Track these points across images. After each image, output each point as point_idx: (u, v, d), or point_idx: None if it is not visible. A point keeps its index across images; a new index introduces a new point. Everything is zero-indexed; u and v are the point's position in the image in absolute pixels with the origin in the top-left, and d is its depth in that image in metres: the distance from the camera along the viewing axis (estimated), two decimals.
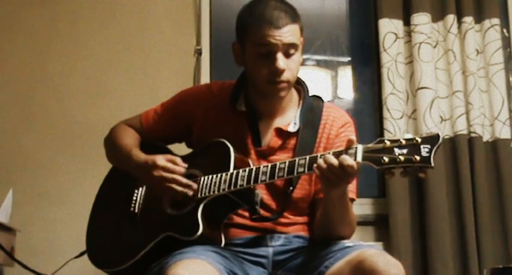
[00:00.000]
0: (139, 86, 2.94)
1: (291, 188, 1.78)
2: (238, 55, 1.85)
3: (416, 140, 1.52)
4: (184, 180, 1.74)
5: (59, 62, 2.96)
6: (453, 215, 2.82)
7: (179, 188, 1.74)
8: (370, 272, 1.52)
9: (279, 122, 1.86)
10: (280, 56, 1.75)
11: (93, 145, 2.62)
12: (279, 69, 1.75)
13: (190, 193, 1.74)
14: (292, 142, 1.84)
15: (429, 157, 1.49)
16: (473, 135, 2.86)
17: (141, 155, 1.84)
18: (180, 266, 1.54)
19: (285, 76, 1.77)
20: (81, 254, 1.99)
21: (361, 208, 2.91)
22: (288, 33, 1.74)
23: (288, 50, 1.76)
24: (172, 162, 1.76)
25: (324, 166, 1.58)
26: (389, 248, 2.75)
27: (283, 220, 1.81)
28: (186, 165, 1.77)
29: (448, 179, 2.85)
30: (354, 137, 1.61)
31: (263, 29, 1.74)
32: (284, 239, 1.80)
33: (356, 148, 1.58)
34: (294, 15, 1.78)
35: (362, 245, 1.67)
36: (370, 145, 1.58)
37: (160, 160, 1.77)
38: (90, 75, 2.96)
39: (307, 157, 1.64)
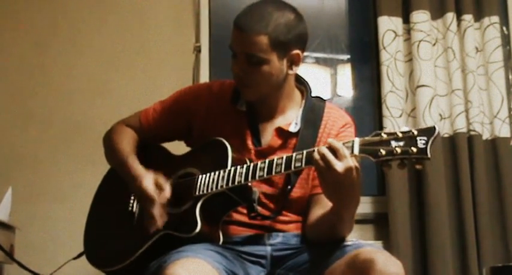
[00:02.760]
0: (138, 84, 2.93)
1: (289, 186, 1.78)
2: None
3: (413, 133, 1.52)
4: (155, 212, 1.71)
5: (58, 61, 2.95)
6: (453, 213, 2.82)
7: (147, 218, 1.73)
8: (370, 271, 1.51)
9: (279, 121, 1.86)
10: (238, 60, 1.75)
11: (92, 143, 2.61)
12: (233, 71, 1.77)
13: (153, 229, 1.72)
14: (293, 141, 1.83)
15: (426, 148, 1.49)
16: (472, 133, 2.86)
17: (133, 168, 1.82)
18: (178, 265, 1.53)
19: (244, 82, 1.78)
20: (79, 255, 1.98)
21: (360, 206, 2.81)
22: (249, 42, 1.72)
23: (249, 58, 1.74)
24: (158, 187, 1.74)
25: (317, 156, 1.57)
26: (388, 246, 2.75)
27: (281, 218, 1.81)
28: (168, 195, 1.73)
29: (447, 177, 2.84)
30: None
31: (233, 29, 1.75)
32: (282, 237, 1.80)
33: (353, 141, 1.59)
34: (265, 26, 1.71)
35: (361, 244, 1.67)
36: (367, 138, 1.58)
37: (147, 182, 1.74)
38: (89, 74, 2.95)
39: (304, 152, 1.64)
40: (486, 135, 2.90)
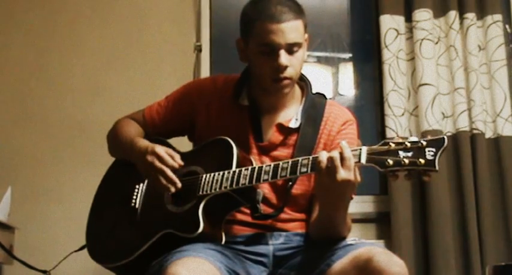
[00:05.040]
0: (139, 83, 2.93)
1: (290, 183, 1.78)
2: (242, 51, 1.84)
3: (422, 143, 1.51)
4: (170, 174, 1.73)
5: (58, 60, 2.95)
6: (455, 212, 2.81)
7: (163, 181, 1.73)
8: (373, 271, 1.51)
9: (280, 117, 1.86)
10: (282, 52, 1.74)
11: (91, 142, 2.62)
12: (281, 65, 1.74)
13: (173, 189, 1.72)
14: (293, 137, 1.83)
15: (434, 160, 1.48)
16: (475, 132, 2.85)
17: (143, 142, 1.83)
18: (180, 264, 1.52)
19: (288, 73, 1.76)
20: (82, 248, 1.98)
21: (362, 205, 2.90)
22: (291, 29, 1.73)
23: (291, 47, 1.74)
24: (170, 155, 1.75)
25: (324, 158, 1.57)
26: (391, 245, 2.74)
27: (283, 216, 1.80)
28: (182, 163, 1.75)
29: (450, 176, 2.83)
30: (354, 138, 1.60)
31: (266, 25, 1.72)
32: (285, 237, 1.79)
33: (360, 149, 1.57)
34: (297, 11, 1.76)
35: (364, 243, 1.66)
36: (374, 147, 1.57)
37: (160, 148, 1.76)
38: (89, 73, 2.94)
39: (310, 157, 1.63)
40: (489, 134, 2.89)
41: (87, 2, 3.00)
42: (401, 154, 1.52)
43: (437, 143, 1.50)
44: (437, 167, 1.48)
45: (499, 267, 2.39)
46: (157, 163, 1.73)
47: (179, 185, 1.73)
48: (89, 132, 2.79)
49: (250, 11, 1.78)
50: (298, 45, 1.75)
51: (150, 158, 1.75)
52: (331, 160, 1.55)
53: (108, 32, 2.98)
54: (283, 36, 1.72)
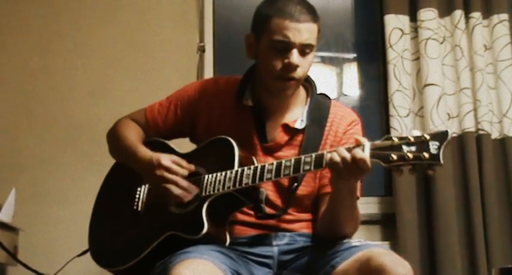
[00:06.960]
0: (141, 84, 2.92)
1: (296, 184, 1.77)
2: (251, 47, 1.83)
3: (425, 137, 1.50)
4: (184, 183, 1.72)
5: (61, 61, 2.95)
6: (461, 213, 2.80)
7: (178, 191, 1.72)
8: (378, 272, 1.50)
9: (285, 118, 1.85)
10: (295, 51, 1.74)
11: (95, 143, 2.62)
12: (292, 64, 1.74)
13: (189, 197, 1.72)
14: (299, 138, 1.82)
15: (438, 154, 1.47)
16: (481, 132, 2.83)
17: (146, 152, 1.82)
18: (184, 266, 1.52)
19: (297, 73, 1.76)
20: (84, 252, 1.97)
21: (367, 206, 2.89)
22: (307, 30, 1.73)
23: (304, 48, 1.75)
24: (176, 164, 1.74)
25: (338, 158, 1.56)
26: (396, 247, 2.72)
27: (287, 217, 1.80)
28: (192, 167, 1.75)
29: (455, 177, 2.82)
30: (360, 136, 1.60)
31: (284, 22, 1.73)
32: (289, 237, 1.78)
33: (363, 145, 1.56)
34: (315, 15, 1.77)
35: (369, 245, 1.66)
36: (377, 142, 1.56)
37: (165, 159, 1.74)
38: (92, 74, 2.94)
39: (313, 155, 1.63)
40: (495, 135, 2.87)
41: (90, 2, 3.00)
42: (405, 148, 1.51)
43: (440, 136, 1.49)
44: (441, 161, 1.47)
45: (505, 269, 2.38)
46: (168, 175, 1.72)
47: (195, 190, 1.72)
48: (92, 134, 2.78)
49: (267, 7, 1.78)
50: (311, 47, 1.76)
51: (158, 171, 1.73)
52: (344, 159, 1.55)
53: (111, 32, 2.97)
54: (299, 35, 1.73)
